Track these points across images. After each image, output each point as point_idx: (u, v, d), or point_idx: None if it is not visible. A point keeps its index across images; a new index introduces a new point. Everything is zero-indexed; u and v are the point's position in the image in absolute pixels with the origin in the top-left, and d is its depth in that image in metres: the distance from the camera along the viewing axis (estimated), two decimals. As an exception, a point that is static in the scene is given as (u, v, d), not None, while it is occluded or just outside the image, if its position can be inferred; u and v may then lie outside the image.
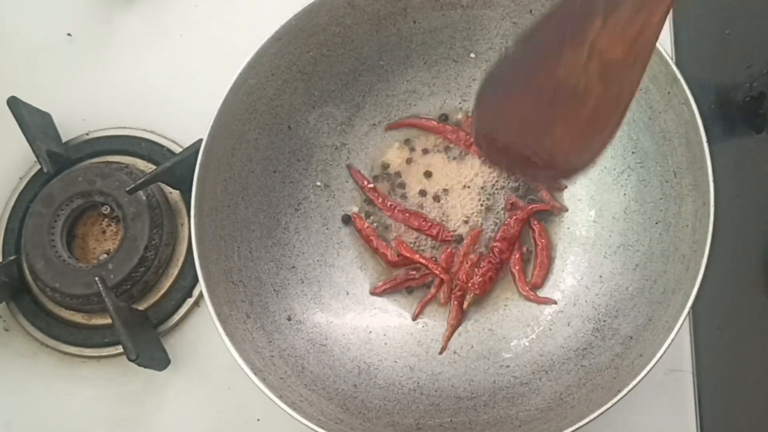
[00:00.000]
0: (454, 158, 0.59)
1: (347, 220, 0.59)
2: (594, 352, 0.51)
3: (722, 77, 0.62)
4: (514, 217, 0.57)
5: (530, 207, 0.57)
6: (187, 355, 0.59)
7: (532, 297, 0.56)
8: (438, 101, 0.60)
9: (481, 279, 0.56)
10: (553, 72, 0.34)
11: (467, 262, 0.57)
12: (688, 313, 0.45)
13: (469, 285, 0.56)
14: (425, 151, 0.60)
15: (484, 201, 0.58)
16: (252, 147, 0.54)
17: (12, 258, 0.61)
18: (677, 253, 0.49)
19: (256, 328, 0.51)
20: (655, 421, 0.56)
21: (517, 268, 0.57)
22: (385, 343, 0.56)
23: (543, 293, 0.56)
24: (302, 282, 0.56)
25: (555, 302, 0.55)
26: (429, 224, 0.57)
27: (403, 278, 0.57)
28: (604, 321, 0.52)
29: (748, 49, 0.59)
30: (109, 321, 0.58)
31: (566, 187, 0.58)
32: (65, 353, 0.60)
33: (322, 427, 0.45)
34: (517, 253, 0.57)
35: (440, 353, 0.55)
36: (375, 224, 0.58)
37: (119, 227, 0.61)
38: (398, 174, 0.59)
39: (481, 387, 0.53)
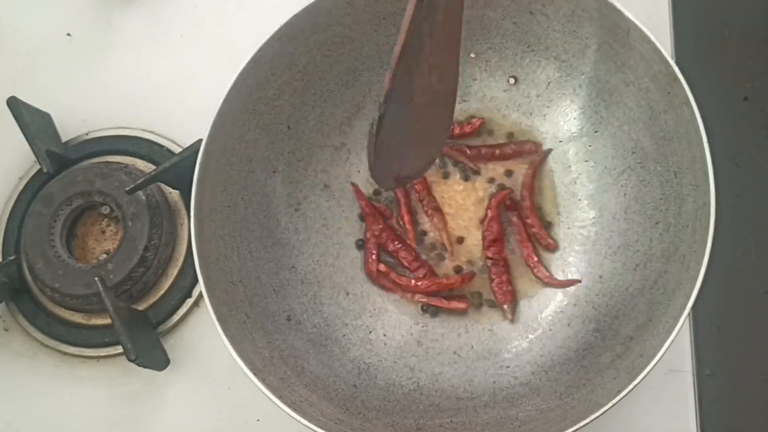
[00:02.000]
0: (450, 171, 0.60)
1: (360, 245, 0.59)
2: (594, 353, 0.51)
3: (723, 77, 0.62)
4: (488, 218, 0.57)
5: (496, 200, 0.57)
6: (186, 355, 0.59)
7: (553, 282, 0.56)
8: (438, 101, 0.60)
9: (501, 289, 0.56)
10: (412, 100, 0.43)
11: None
12: (689, 313, 0.45)
13: (499, 300, 0.56)
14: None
15: (479, 209, 0.58)
16: (252, 147, 0.54)
17: (12, 258, 0.61)
18: (677, 254, 0.49)
19: (256, 328, 0.51)
20: (655, 421, 0.56)
21: (533, 259, 0.56)
22: (385, 344, 0.56)
23: (542, 292, 0.56)
24: (302, 282, 0.56)
25: (579, 281, 0.55)
26: (418, 264, 0.57)
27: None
28: (605, 321, 0.52)
29: (748, 49, 0.59)
30: (108, 321, 0.58)
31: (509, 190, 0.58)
32: (65, 353, 0.60)
33: (322, 428, 0.45)
34: (528, 245, 0.57)
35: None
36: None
37: (119, 227, 0.61)
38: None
39: (481, 387, 0.53)
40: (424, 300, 0.57)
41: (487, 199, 0.58)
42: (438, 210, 0.58)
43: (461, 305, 0.56)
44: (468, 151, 0.59)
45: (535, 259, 0.57)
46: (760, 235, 0.57)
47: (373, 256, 0.57)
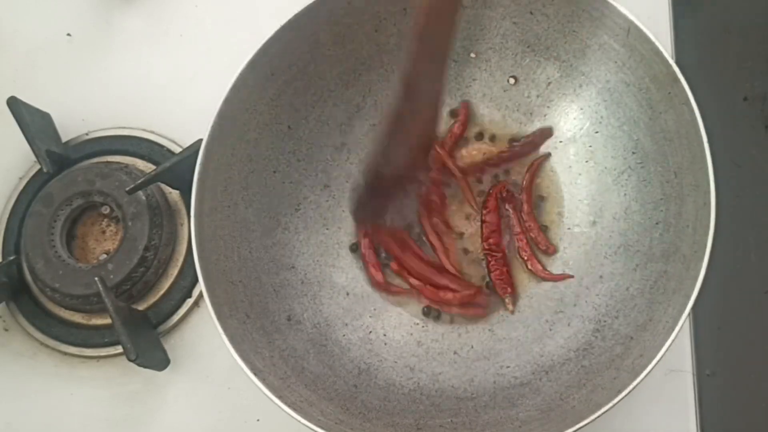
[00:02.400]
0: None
1: (354, 249, 0.58)
2: (594, 353, 0.51)
3: (722, 77, 0.62)
4: (486, 210, 0.57)
5: (494, 191, 0.57)
6: (186, 355, 0.59)
7: (547, 276, 0.56)
8: (438, 101, 0.60)
9: (501, 280, 0.56)
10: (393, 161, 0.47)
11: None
12: (689, 313, 0.45)
13: (499, 291, 0.56)
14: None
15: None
16: (252, 147, 0.54)
17: (12, 258, 0.61)
18: (678, 254, 0.49)
19: (256, 328, 0.51)
20: (655, 421, 0.56)
21: (526, 252, 0.57)
22: (385, 344, 0.56)
23: (542, 291, 0.56)
24: (302, 282, 0.56)
25: (572, 276, 0.55)
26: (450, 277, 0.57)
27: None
28: (605, 321, 0.52)
29: (748, 49, 0.59)
30: (108, 321, 0.58)
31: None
32: (65, 353, 0.60)
33: (322, 428, 0.45)
34: (522, 238, 0.57)
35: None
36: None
37: (119, 227, 0.61)
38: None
39: (482, 387, 0.53)
40: (428, 302, 0.57)
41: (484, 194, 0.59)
42: (447, 234, 0.58)
43: (479, 311, 0.56)
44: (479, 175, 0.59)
45: (529, 252, 0.57)
46: (760, 235, 0.57)
47: (375, 264, 0.57)
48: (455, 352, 0.55)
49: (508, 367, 0.54)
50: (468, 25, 0.56)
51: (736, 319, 0.58)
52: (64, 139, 0.64)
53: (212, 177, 0.51)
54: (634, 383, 0.44)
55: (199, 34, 0.68)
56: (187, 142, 0.60)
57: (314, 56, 0.55)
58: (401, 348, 0.55)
